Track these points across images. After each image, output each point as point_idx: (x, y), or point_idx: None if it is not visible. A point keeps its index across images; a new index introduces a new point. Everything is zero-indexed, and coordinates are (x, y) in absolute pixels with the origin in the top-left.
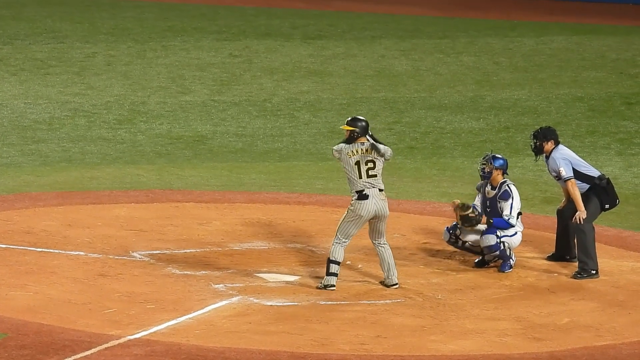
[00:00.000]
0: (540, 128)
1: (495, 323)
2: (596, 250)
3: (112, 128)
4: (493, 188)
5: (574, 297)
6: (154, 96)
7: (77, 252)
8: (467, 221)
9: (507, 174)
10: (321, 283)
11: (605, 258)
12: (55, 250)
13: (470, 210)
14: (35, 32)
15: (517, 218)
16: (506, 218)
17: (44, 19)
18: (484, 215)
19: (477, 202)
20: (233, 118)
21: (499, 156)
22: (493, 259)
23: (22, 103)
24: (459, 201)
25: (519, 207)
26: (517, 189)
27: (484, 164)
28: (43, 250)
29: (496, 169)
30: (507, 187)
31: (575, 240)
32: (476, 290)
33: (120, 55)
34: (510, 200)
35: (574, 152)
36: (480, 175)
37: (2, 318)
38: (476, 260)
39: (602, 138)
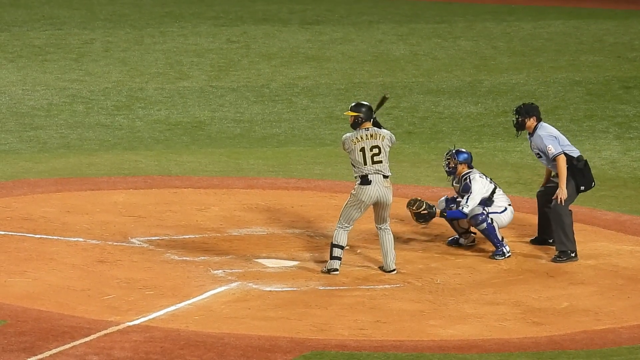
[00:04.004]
0: (523, 104)
1: (494, 307)
2: (574, 233)
3: (110, 114)
4: (458, 182)
5: (573, 281)
6: (151, 82)
7: (75, 239)
8: (421, 217)
9: (472, 167)
10: (325, 267)
11: (604, 242)
12: (54, 237)
13: (423, 207)
14: (33, 19)
15: (493, 194)
16: (460, 208)
17: (41, 5)
18: (438, 210)
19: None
20: (231, 104)
21: (463, 150)
22: (469, 242)
23: (20, 90)
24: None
25: (482, 195)
26: (480, 178)
27: (449, 159)
28: (42, 236)
29: (460, 163)
30: (466, 181)
31: (553, 225)
32: (475, 275)
33: (118, 41)
34: (468, 193)
35: (562, 133)
36: (446, 171)
37: (1, 305)
38: (450, 239)
39: (600, 122)
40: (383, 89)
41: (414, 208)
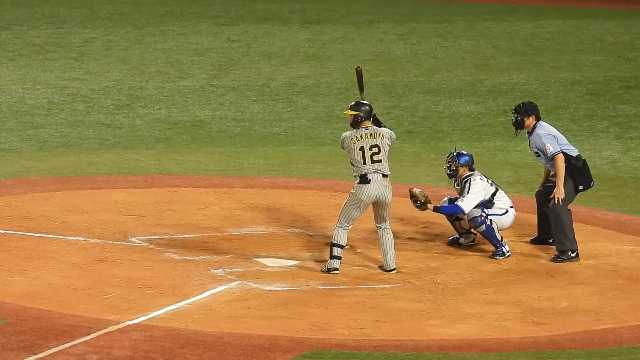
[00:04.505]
0: (522, 103)
1: (494, 307)
2: (574, 233)
3: (111, 113)
4: (459, 184)
5: (573, 281)
6: (152, 81)
7: (75, 238)
8: (415, 198)
9: (474, 169)
10: (325, 267)
11: (604, 242)
12: (54, 236)
13: (425, 194)
14: (33, 18)
15: (493, 196)
16: (456, 202)
17: (42, 4)
18: (429, 204)
19: None
20: (231, 103)
21: (464, 152)
22: (469, 241)
23: (21, 88)
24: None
25: (481, 198)
26: (481, 180)
27: (450, 162)
28: (42, 235)
29: (461, 165)
30: (467, 183)
31: (552, 225)
32: (475, 275)
33: (118, 40)
34: (467, 193)
35: (562, 132)
36: (447, 174)
37: (1, 304)
38: (450, 238)
39: (600, 122)
40: (384, 89)
41: (414, 190)
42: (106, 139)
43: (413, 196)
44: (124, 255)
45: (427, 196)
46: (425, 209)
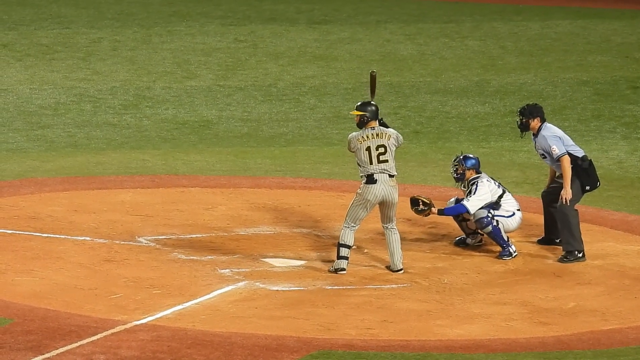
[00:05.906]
0: (527, 105)
1: (501, 307)
2: (581, 233)
3: (118, 113)
4: (466, 187)
5: (580, 281)
6: (159, 81)
7: (83, 238)
8: (414, 203)
9: (480, 172)
10: (332, 267)
11: (611, 242)
12: (61, 236)
13: (428, 201)
14: (40, 18)
15: (500, 198)
16: (462, 202)
17: (49, 4)
18: (432, 208)
19: None
20: (238, 103)
21: (471, 156)
22: (476, 242)
23: (28, 88)
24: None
25: (487, 200)
26: (488, 182)
27: (456, 165)
28: (49, 235)
29: (468, 169)
30: (474, 186)
31: (559, 225)
32: (482, 275)
33: (125, 40)
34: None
35: (567, 133)
36: (454, 178)
37: (8, 304)
38: (457, 238)
39: (607, 122)
40: (391, 89)
41: (416, 195)
42: (113, 139)
43: (415, 203)
44: (131, 255)
45: (430, 200)
46: (429, 213)
